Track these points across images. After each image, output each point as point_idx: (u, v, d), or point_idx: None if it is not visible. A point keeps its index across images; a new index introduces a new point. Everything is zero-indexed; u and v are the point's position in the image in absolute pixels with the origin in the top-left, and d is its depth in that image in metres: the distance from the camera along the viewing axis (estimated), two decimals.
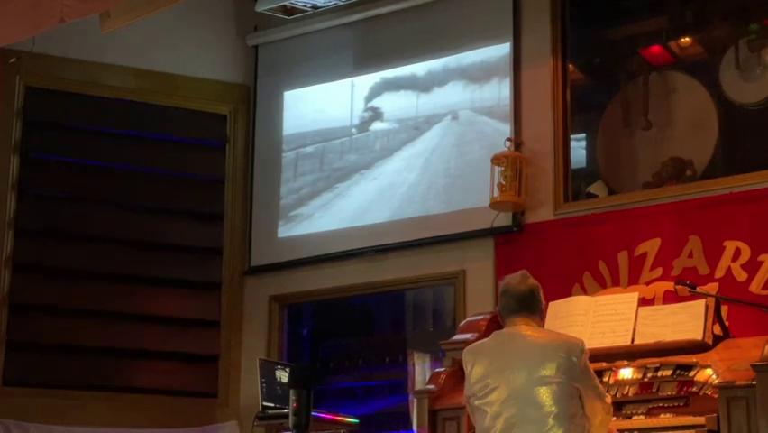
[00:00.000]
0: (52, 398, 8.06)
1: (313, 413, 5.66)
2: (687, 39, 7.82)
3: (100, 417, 8.09)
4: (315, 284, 8.46)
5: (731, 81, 7.52)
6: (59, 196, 8.55)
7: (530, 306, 4.94)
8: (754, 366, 5.34)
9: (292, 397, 5.56)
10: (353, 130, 8.62)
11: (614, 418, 5.30)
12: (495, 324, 5.54)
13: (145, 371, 8.43)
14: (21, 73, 8.41)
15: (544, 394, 4.68)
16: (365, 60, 8.63)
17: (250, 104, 9.07)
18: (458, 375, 5.87)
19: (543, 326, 5.48)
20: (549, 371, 4.70)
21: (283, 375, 7.09)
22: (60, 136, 8.57)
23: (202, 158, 8.94)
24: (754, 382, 5.31)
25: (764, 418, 5.24)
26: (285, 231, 8.71)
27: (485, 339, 5.10)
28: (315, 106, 8.81)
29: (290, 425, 5.58)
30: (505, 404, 4.71)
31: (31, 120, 8.46)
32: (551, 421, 4.64)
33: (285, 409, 6.21)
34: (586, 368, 4.79)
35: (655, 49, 7.87)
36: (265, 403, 7.05)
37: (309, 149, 8.77)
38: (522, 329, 4.88)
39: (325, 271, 8.39)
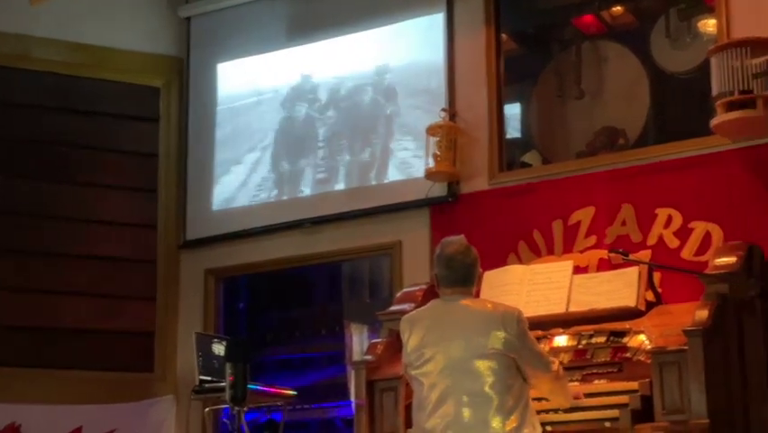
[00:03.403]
0: None
1: (249, 386, 5.67)
2: (618, 8, 7.87)
3: (35, 394, 8.01)
4: (251, 257, 8.42)
5: (662, 50, 7.58)
6: None
7: (471, 277, 4.89)
8: (685, 331, 5.41)
9: (228, 370, 5.57)
10: (287, 101, 8.57)
11: None
12: (431, 294, 5.54)
13: (81, 347, 8.34)
14: None
15: (481, 364, 4.66)
16: (299, 31, 8.56)
17: (183, 76, 8.98)
18: (395, 346, 5.89)
19: (478, 295, 5.51)
20: (486, 341, 4.68)
21: (220, 349, 7.06)
22: None
23: (135, 131, 8.83)
24: (686, 347, 5.38)
25: (695, 382, 5.31)
26: (219, 204, 8.65)
27: (422, 307, 5.07)
28: (248, 78, 8.74)
29: (227, 398, 5.59)
30: (441, 375, 4.69)
31: None
32: (487, 391, 4.62)
33: (222, 382, 6.19)
34: (523, 337, 4.75)
35: (587, 18, 7.92)
36: (202, 377, 7.02)
37: (243, 121, 8.71)
38: (460, 299, 4.84)
39: (261, 244, 8.36)
